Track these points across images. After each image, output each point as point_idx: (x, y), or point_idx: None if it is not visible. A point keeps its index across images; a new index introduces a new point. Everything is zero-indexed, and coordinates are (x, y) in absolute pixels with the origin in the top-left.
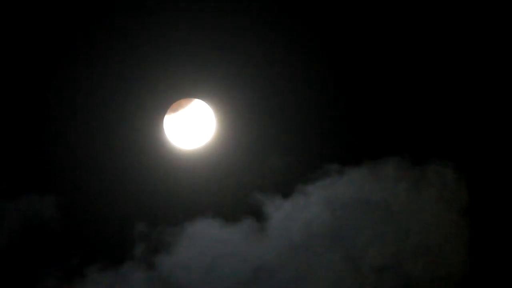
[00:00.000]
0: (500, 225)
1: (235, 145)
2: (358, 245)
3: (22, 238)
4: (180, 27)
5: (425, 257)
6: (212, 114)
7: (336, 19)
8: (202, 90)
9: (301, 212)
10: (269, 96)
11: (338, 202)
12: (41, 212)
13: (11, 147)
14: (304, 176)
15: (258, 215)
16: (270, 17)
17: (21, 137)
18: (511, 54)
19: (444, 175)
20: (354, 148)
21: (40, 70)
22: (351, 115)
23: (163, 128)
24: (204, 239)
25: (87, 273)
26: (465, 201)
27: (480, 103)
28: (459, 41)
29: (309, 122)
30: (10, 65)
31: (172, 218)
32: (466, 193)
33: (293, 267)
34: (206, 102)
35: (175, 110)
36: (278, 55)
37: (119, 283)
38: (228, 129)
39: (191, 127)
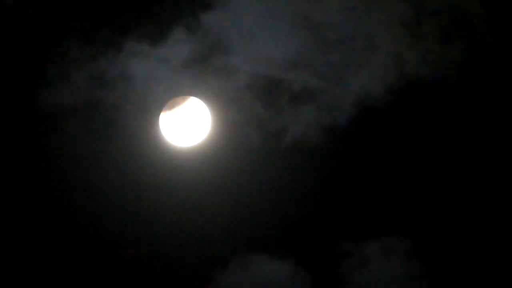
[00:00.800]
0: None
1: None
2: None
3: None
4: (177, 23)
5: None
6: (208, 112)
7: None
8: (198, 88)
9: None
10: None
11: None
12: None
13: None
14: None
15: None
16: (267, 15)
17: None
18: None
19: None
20: None
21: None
22: None
23: (159, 126)
24: None
25: (123, 45)
26: None
27: None
28: None
29: None
30: None
31: None
32: None
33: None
34: (202, 100)
35: (171, 108)
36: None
37: (161, 54)
38: (224, 126)
39: (187, 125)
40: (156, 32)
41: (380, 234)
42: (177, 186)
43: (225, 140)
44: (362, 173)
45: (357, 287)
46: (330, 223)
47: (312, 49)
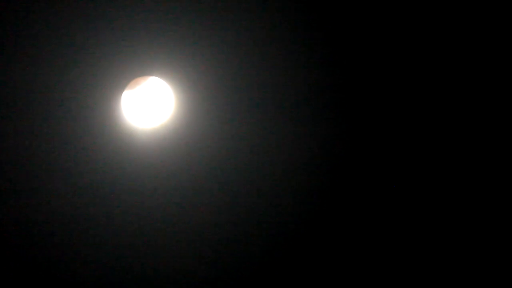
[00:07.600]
0: None
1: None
2: None
3: None
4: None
5: None
6: (171, 92)
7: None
8: (160, 68)
9: None
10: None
11: None
12: None
13: None
14: None
15: None
16: None
17: None
18: None
19: None
20: None
21: None
22: None
23: (121, 107)
24: None
25: None
26: None
27: None
28: None
29: None
30: None
31: None
32: None
33: None
34: (165, 80)
35: (133, 88)
36: (240, 31)
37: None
38: (187, 107)
39: (149, 105)
40: None
41: None
42: (138, 168)
43: (189, 121)
44: None
45: None
46: None
47: None
